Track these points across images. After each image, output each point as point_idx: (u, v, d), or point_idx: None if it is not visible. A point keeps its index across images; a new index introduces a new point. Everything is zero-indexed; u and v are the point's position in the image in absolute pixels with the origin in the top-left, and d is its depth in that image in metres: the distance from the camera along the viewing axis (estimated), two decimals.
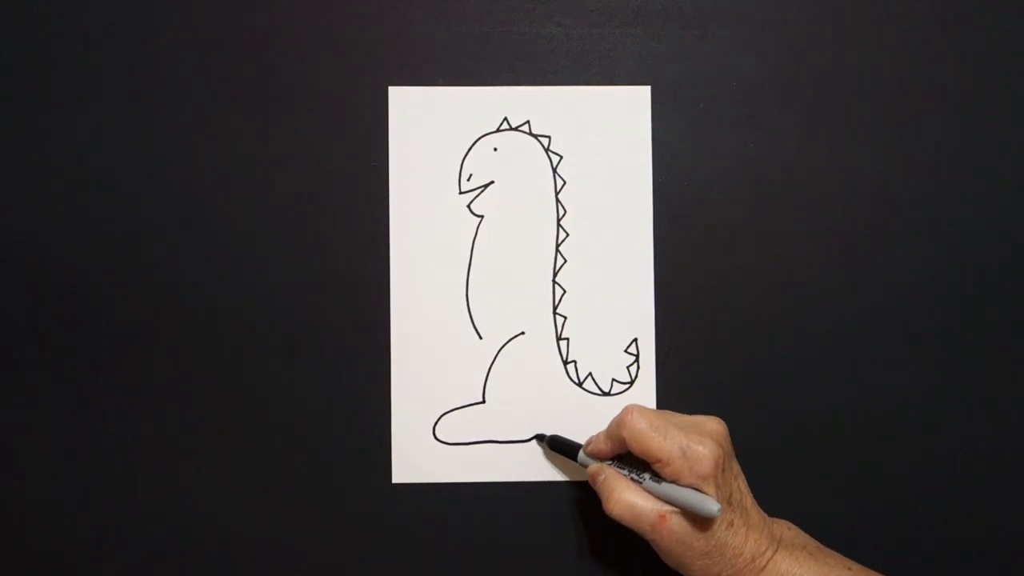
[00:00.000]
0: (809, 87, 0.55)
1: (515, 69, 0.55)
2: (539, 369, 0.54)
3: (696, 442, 0.46)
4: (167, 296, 0.54)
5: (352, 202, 0.54)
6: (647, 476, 0.47)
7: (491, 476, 0.54)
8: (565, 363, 0.54)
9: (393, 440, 0.54)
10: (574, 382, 0.54)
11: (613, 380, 0.54)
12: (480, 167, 0.54)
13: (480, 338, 0.54)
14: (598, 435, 0.50)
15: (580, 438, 0.54)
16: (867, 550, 0.52)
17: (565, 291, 0.54)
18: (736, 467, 0.48)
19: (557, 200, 0.55)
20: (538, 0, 0.55)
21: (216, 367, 0.54)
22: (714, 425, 0.48)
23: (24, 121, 0.54)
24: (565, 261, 0.54)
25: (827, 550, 0.48)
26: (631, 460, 0.49)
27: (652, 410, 0.48)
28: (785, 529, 0.48)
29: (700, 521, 0.45)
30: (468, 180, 0.54)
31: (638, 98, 0.55)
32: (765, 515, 0.48)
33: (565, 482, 0.54)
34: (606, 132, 0.55)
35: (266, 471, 0.54)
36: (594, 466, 0.49)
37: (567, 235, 0.54)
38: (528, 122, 0.54)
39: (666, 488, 0.46)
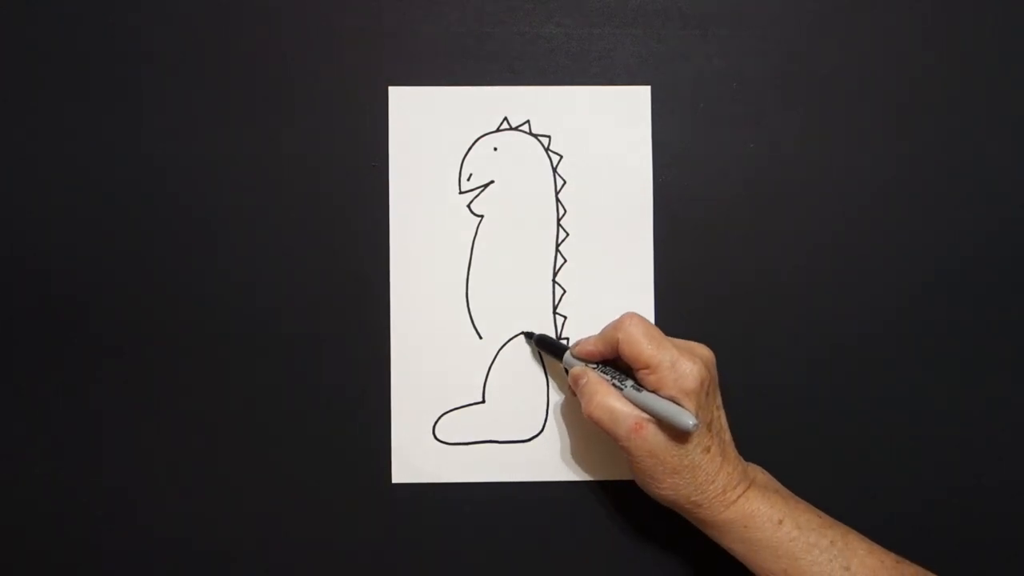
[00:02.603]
0: (809, 87, 0.55)
1: (515, 69, 0.55)
2: (539, 369, 0.54)
3: (686, 358, 0.46)
4: (167, 296, 0.54)
5: (352, 202, 0.54)
6: (629, 384, 0.47)
7: (491, 476, 0.54)
8: None
9: (393, 440, 0.54)
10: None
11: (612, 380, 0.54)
12: (480, 167, 0.54)
13: (480, 338, 0.54)
14: (588, 337, 0.50)
15: (580, 438, 0.54)
16: None
17: (565, 291, 0.54)
18: (719, 399, 0.48)
19: (557, 200, 0.55)
20: (538, 0, 0.55)
21: (216, 367, 0.54)
22: (704, 351, 0.48)
23: (25, 122, 0.54)
24: (565, 261, 0.54)
25: (798, 498, 0.48)
26: (616, 368, 0.49)
27: (650, 322, 0.48)
28: (759, 473, 0.49)
29: (676, 434, 0.46)
30: (468, 180, 0.54)
31: (638, 98, 0.55)
32: (741, 457, 0.48)
33: (565, 482, 0.54)
34: (606, 132, 0.55)
35: (266, 471, 0.54)
36: (578, 368, 0.50)
37: (567, 235, 0.54)
38: (528, 122, 0.54)
39: (646, 397, 0.46)
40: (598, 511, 0.54)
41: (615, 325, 0.48)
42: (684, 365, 0.46)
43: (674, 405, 0.45)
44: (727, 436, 0.48)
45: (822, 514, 0.47)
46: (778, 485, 0.49)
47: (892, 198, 0.54)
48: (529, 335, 0.54)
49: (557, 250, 0.54)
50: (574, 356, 0.50)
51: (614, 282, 0.54)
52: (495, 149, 0.55)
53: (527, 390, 0.54)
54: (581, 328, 0.54)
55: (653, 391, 0.46)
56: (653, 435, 0.46)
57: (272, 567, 0.53)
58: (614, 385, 0.48)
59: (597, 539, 0.54)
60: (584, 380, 0.48)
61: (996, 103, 0.55)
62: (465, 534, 0.54)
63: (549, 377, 0.54)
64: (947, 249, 0.54)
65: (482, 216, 0.54)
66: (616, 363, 0.49)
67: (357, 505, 0.54)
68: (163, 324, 0.54)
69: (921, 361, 0.54)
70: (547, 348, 0.53)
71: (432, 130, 0.54)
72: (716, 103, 0.55)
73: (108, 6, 0.54)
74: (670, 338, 0.48)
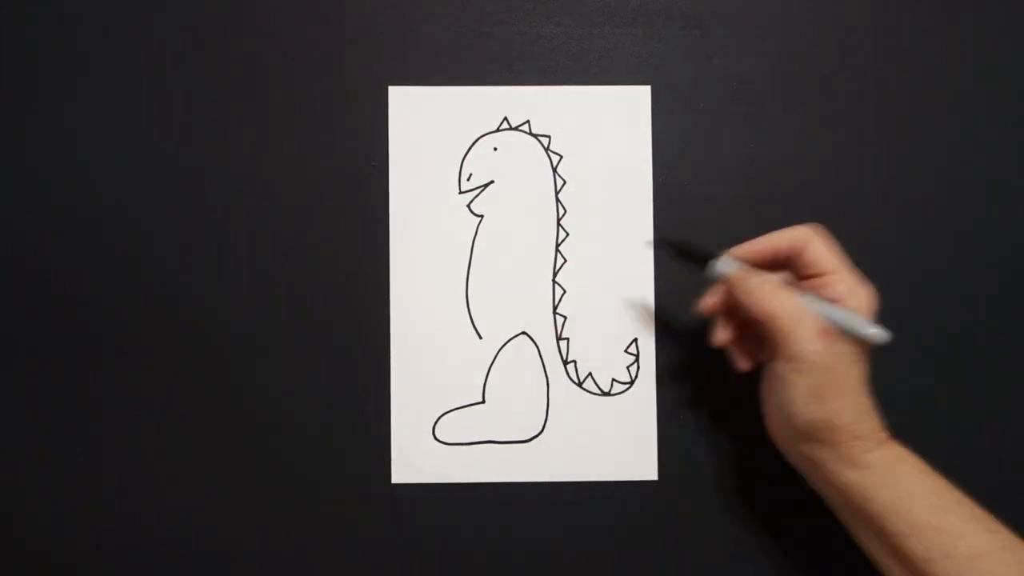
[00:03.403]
0: (809, 86, 0.55)
1: (515, 69, 0.55)
2: (539, 369, 0.54)
3: (864, 281, 0.44)
4: (167, 296, 0.54)
5: (352, 202, 0.54)
6: (808, 293, 0.44)
7: (491, 476, 0.54)
8: (565, 363, 0.54)
9: (393, 440, 0.54)
10: (574, 382, 0.54)
11: (613, 380, 0.54)
12: (480, 167, 0.54)
13: (480, 338, 0.54)
14: (749, 243, 0.47)
15: (580, 438, 0.54)
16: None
17: (565, 291, 0.54)
18: None
19: (557, 200, 0.55)
20: (538, 0, 0.55)
21: (216, 367, 0.54)
22: None
23: (25, 122, 0.54)
24: (565, 261, 0.54)
25: None
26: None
27: None
28: None
29: (857, 351, 0.43)
30: (468, 180, 0.54)
31: (638, 98, 0.55)
32: None
33: (565, 482, 0.54)
34: (606, 132, 0.55)
35: (266, 471, 0.54)
36: (744, 270, 0.46)
37: (567, 235, 0.54)
38: (528, 122, 0.55)
39: (827, 307, 0.43)
40: (598, 511, 0.54)
41: (794, 228, 0.46)
42: (866, 284, 0.44)
43: (862, 317, 0.43)
44: None
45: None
46: None
47: (892, 198, 0.54)
48: (659, 241, 0.51)
49: (557, 250, 0.54)
50: (732, 257, 0.47)
51: (614, 282, 0.54)
52: (495, 149, 0.55)
53: (527, 390, 0.54)
54: (581, 328, 0.54)
55: (835, 302, 0.44)
56: (839, 345, 0.42)
57: (272, 567, 0.53)
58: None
59: (597, 539, 0.54)
60: (756, 280, 0.45)
61: (996, 103, 0.55)
62: (465, 534, 0.54)
63: (549, 377, 0.54)
64: (947, 249, 0.54)
65: (482, 216, 0.54)
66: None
67: (357, 505, 0.54)
68: (163, 324, 0.54)
69: (922, 361, 0.54)
70: (687, 256, 0.49)
71: (432, 130, 0.54)
72: (716, 103, 0.55)
73: (108, 6, 0.54)
74: None
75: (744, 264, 0.47)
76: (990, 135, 0.54)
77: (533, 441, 0.54)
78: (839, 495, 0.44)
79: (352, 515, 0.54)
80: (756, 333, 0.47)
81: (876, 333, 0.42)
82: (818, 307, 0.44)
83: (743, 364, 0.49)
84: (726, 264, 0.47)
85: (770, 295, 0.44)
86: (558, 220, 0.54)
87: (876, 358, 0.54)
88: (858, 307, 0.43)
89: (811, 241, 0.45)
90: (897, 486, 0.42)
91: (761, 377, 0.47)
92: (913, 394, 0.54)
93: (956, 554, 0.40)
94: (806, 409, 0.43)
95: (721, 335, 0.49)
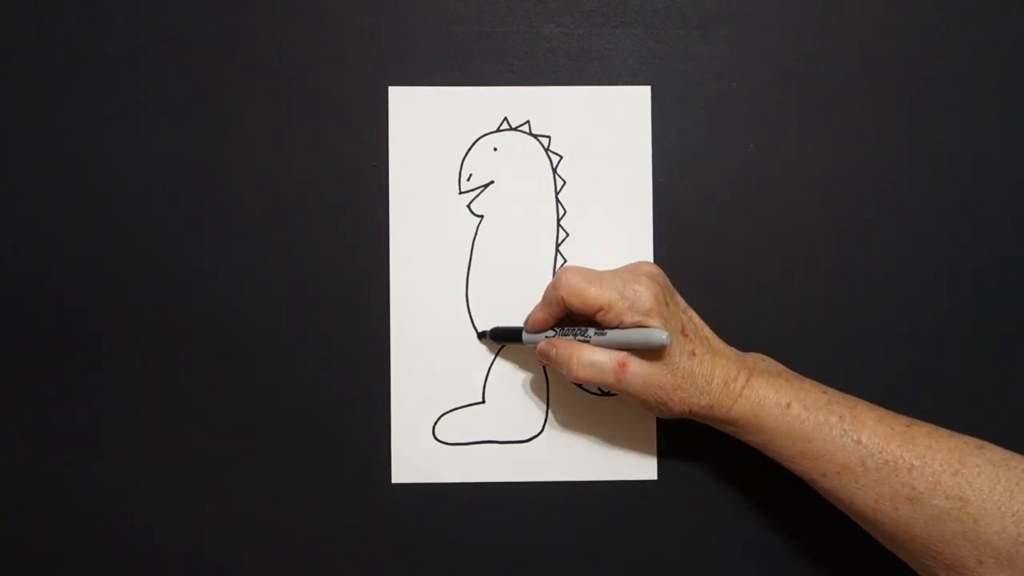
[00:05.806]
0: (809, 87, 0.55)
1: (515, 69, 0.55)
2: (539, 369, 0.54)
3: (631, 282, 0.47)
4: (167, 297, 0.54)
5: (352, 202, 0.54)
6: (591, 332, 0.48)
7: (491, 476, 0.54)
8: None
9: (393, 440, 0.54)
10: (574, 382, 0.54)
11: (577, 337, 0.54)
12: (480, 167, 0.54)
13: (480, 338, 0.54)
14: (534, 308, 0.51)
15: (580, 438, 0.54)
16: (871, 552, 0.52)
17: None
18: (683, 302, 0.49)
19: (557, 200, 0.55)
20: (538, 0, 0.55)
21: (215, 367, 0.54)
22: (648, 267, 0.49)
23: (25, 122, 0.54)
24: (565, 261, 0.54)
25: (803, 377, 0.48)
26: (573, 325, 0.49)
27: (585, 267, 0.49)
28: (759, 360, 0.49)
29: (657, 354, 0.46)
30: (468, 180, 0.54)
31: (638, 98, 0.55)
32: (733, 348, 0.49)
33: (565, 482, 0.54)
34: (606, 132, 0.55)
35: (266, 471, 0.54)
36: (544, 342, 0.50)
37: (567, 235, 0.54)
38: (528, 122, 0.55)
39: (612, 335, 0.47)
40: (598, 512, 0.54)
41: (553, 284, 0.49)
42: (632, 289, 0.46)
43: (639, 330, 0.46)
44: (706, 332, 0.49)
45: (828, 389, 0.47)
46: (781, 368, 0.49)
47: (893, 198, 0.54)
48: (483, 335, 0.54)
49: (557, 250, 0.54)
50: (529, 332, 0.51)
51: None
52: (495, 149, 0.55)
53: (527, 390, 0.54)
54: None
55: (616, 327, 0.47)
56: (638, 366, 0.46)
57: (272, 567, 0.53)
58: (580, 340, 0.48)
59: (597, 539, 0.54)
60: (553, 350, 0.49)
61: (997, 103, 0.54)
62: (465, 534, 0.54)
63: (549, 377, 0.54)
64: (949, 249, 0.54)
65: (482, 216, 0.54)
66: (573, 319, 0.49)
67: (357, 505, 0.54)
68: (163, 324, 0.54)
69: (923, 362, 0.54)
70: (503, 337, 0.53)
71: (432, 130, 0.54)
72: (716, 103, 0.55)
73: (108, 6, 0.54)
74: (611, 270, 0.49)
75: (543, 332, 0.50)
76: (990, 134, 0.54)
77: (533, 441, 0.54)
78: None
79: (352, 515, 0.54)
80: None
81: (657, 340, 0.45)
82: (607, 340, 0.47)
83: None
84: (530, 339, 0.51)
85: (567, 363, 0.48)
86: (558, 220, 0.54)
87: (879, 358, 0.54)
88: (638, 318, 0.46)
89: (566, 298, 0.48)
90: (762, 428, 0.46)
91: None
92: (912, 394, 0.54)
93: (829, 472, 0.45)
94: (663, 414, 0.48)
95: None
